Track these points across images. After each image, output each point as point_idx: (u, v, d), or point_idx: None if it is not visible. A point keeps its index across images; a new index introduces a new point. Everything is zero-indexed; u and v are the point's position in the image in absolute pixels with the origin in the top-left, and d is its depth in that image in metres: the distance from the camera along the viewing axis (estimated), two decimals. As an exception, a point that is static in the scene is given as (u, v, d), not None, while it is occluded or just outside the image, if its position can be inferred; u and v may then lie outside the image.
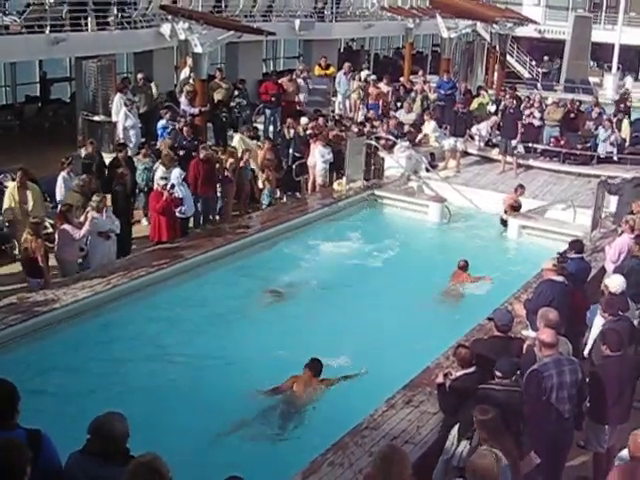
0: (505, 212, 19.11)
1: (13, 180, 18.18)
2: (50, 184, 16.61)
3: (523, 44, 47.33)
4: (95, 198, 14.80)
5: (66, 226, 14.12)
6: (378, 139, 22.39)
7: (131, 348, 12.93)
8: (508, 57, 38.55)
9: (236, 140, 20.76)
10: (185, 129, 19.74)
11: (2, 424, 6.34)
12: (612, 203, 18.85)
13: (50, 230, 15.15)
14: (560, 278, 11.65)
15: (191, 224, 18.00)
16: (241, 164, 19.35)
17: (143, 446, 6.20)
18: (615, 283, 11.48)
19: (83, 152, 17.92)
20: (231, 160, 18.88)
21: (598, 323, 11.26)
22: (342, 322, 13.98)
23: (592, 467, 10.18)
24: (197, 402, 11.35)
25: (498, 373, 8.72)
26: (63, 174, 16.53)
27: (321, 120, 22.74)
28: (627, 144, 24.43)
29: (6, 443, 5.81)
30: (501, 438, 7.62)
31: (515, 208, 19.05)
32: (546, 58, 46.22)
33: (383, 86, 28.38)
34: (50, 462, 6.42)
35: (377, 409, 10.30)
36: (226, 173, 18.59)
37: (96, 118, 19.94)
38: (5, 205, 15.23)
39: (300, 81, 27.06)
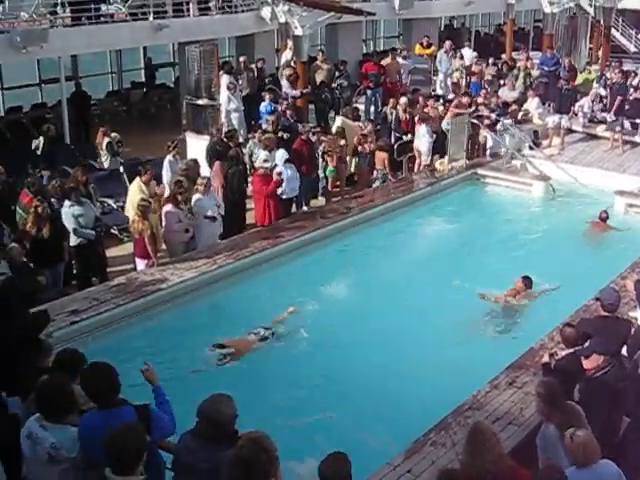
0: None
1: (121, 164, 18.86)
2: (156, 167, 16.98)
3: (629, 17, 45.92)
4: (200, 180, 15.09)
5: (171, 208, 14.42)
6: (481, 117, 22.13)
7: (236, 327, 13.13)
8: (613, 31, 37.53)
9: (338, 122, 20.77)
10: (288, 111, 19.90)
11: (107, 403, 6.62)
12: None
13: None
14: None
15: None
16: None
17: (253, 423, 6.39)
18: None
19: (209, 139, 18.16)
20: (342, 141, 19.03)
21: None
22: (443, 301, 13.96)
23: None
24: (317, 379, 11.57)
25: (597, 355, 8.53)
26: (169, 157, 16.87)
27: (421, 100, 22.50)
28: None
29: (125, 429, 6.05)
30: (557, 411, 7.46)
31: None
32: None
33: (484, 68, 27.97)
34: (162, 430, 6.67)
35: (480, 390, 10.29)
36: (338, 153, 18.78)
37: (200, 102, 20.20)
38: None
39: (400, 60, 26.94)
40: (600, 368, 8.32)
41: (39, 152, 19.29)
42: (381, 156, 19.88)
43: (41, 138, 19.42)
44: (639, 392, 8.57)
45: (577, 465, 6.80)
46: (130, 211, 15.06)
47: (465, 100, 22.46)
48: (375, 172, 20.15)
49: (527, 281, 14.45)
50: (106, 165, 19.95)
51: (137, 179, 15.39)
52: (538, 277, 14.76)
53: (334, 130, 19.95)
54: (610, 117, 23.66)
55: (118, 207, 17.22)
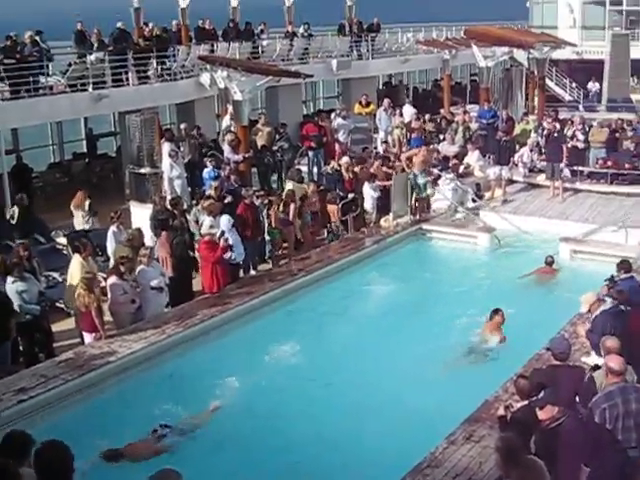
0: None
1: (64, 236, 18.62)
2: (100, 237, 16.82)
3: (562, 67, 47.13)
4: (143, 251, 14.97)
5: (115, 280, 14.26)
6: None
7: (190, 396, 12.95)
8: (547, 81, 38.40)
9: (289, 186, 20.88)
10: (232, 176, 19.92)
11: None
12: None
13: (103, 284, 15.27)
14: (608, 303, 11.55)
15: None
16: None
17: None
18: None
19: (152, 208, 18.09)
20: (293, 205, 19.17)
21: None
22: (396, 356, 13.89)
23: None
24: (268, 451, 11.32)
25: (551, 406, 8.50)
26: (112, 228, 16.75)
27: (375, 161, 22.72)
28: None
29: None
30: (515, 467, 7.41)
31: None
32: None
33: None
34: None
35: (438, 446, 10.20)
36: (287, 216, 18.99)
37: (142, 170, 20.16)
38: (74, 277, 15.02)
39: (340, 120, 27.19)
40: (555, 419, 8.31)
41: (14, 222, 19.31)
42: (332, 209, 20.06)
43: (15, 207, 19.34)
44: (596, 441, 8.55)
45: None
46: (70, 284, 14.88)
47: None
48: (328, 225, 20.48)
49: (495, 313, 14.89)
50: (85, 227, 19.81)
51: (76, 255, 15.17)
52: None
53: (284, 194, 20.02)
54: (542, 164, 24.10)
55: (63, 280, 16.95)
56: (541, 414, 8.39)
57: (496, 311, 14.93)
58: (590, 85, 45.22)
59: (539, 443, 8.23)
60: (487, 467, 9.55)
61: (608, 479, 8.54)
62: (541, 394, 8.78)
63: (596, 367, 10.47)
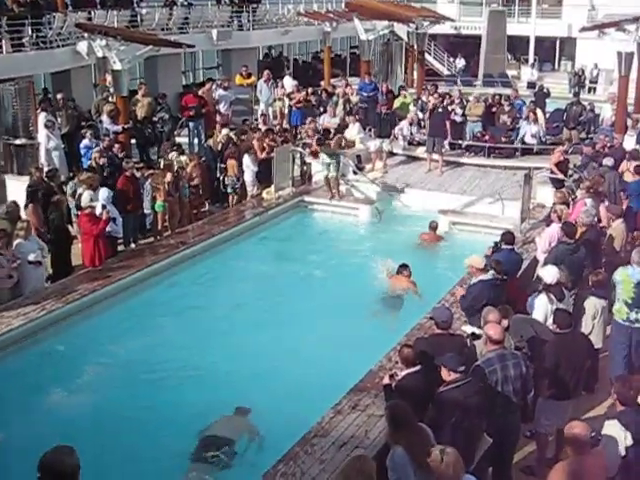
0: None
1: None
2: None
3: (440, 41, 47.90)
4: (20, 224, 14.55)
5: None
6: (304, 145, 22.40)
7: (71, 373, 12.75)
8: (426, 55, 38.97)
9: (169, 156, 20.57)
10: (116, 145, 19.54)
11: None
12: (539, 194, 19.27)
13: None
14: (488, 275, 11.83)
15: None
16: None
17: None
18: (549, 274, 11.63)
19: (28, 180, 17.59)
20: (169, 176, 18.82)
21: (539, 308, 11.40)
22: (277, 331, 13.96)
23: (537, 452, 10.35)
24: (144, 426, 11.23)
25: (447, 371, 8.67)
26: (-15, 202, 16.25)
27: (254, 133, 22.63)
28: (543, 134, 24.71)
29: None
30: (405, 434, 7.60)
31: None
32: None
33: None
34: None
35: (324, 416, 10.29)
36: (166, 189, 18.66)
37: (17, 142, 19.58)
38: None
39: (221, 91, 26.96)
40: (448, 383, 8.52)
41: None
42: (231, 163, 20.51)
43: None
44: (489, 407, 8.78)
45: None
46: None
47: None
48: (226, 179, 20.71)
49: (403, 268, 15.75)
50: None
51: None
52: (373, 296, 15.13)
53: (162, 164, 19.75)
54: (422, 137, 24.53)
55: None
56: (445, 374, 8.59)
57: (404, 266, 15.75)
58: (457, 61, 46.08)
59: (431, 408, 8.41)
60: (373, 435, 9.73)
61: (494, 442, 8.81)
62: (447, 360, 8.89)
63: (473, 335, 10.81)
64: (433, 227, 18.74)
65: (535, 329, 10.64)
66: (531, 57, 46.72)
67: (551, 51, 49.44)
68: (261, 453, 10.38)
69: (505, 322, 10.46)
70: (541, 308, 11.34)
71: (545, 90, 29.99)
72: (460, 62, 46.00)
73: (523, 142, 24.14)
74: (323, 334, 13.79)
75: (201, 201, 20.82)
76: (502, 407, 8.95)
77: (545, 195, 19.19)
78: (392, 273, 16.03)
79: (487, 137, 24.59)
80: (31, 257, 14.36)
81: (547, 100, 29.08)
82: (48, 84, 28.81)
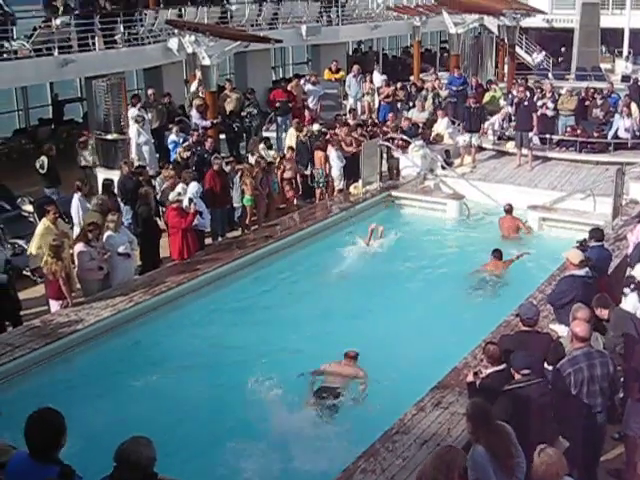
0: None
1: (30, 203, 18.41)
2: (67, 205, 16.65)
3: (532, 35, 47.09)
4: (110, 217, 14.81)
5: (82, 247, 14.11)
6: (392, 140, 22.30)
7: (158, 365, 12.91)
8: (517, 49, 38.38)
9: (258, 150, 20.73)
10: (209, 140, 19.79)
11: (42, 456, 6.21)
12: (632, 190, 18.77)
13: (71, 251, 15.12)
14: (582, 272, 11.50)
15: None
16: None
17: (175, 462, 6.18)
18: (641, 272, 11.33)
19: (118, 174, 18.10)
20: (257, 171, 19.09)
21: (631, 301, 11.10)
22: (366, 323, 13.89)
23: (626, 455, 10.06)
24: (222, 416, 11.36)
25: (517, 371, 8.56)
26: (77, 196, 16.57)
27: (344, 128, 22.61)
28: (638, 128, 24.07)
29: None
30: (485, 432, 7.45)
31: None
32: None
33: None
34: None
35: (407, 413, 10.21)
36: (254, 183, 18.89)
37: (109, 137, 19.94)
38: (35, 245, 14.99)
39: (309, 86, 27.02)
40: (518, 382, 8.37)
41: (43, 171, 19.42)
42: (320, 154, 20.50)
43: (44, 157, 19.39)
44: (563, 406, 8.60)
45: None
46: (33, 249, 14.81)
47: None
48: (314, 172, 20.75)
49: (497, 253, 16.41)
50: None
51: (44, 219, 15.03)
52: (457, 295, 14.95)
53: (253, 160, 19.89)
54: (512, 132, 24.16)
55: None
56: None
57: (496, 250, 16.39)
58: (535, 55, 45.04)
59: (503, 406, 8.26)
60: (455, 433, 9.59)
61: (578, 441, 8.60)
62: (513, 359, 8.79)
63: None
64: (507, 210, 18.78)
65: (637, 326, 10.34)
66: (625, 49, 45.56)
67: (646, 43, 48.16)
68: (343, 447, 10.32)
69: (605, 313, 10.23)
70: (631, 307, 11.03)
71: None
72: (539, 57, 44.97)
73: (617, 137, 23.57)
74: (419, 323, 13.90)
75: (292, 195, 20.87)
76: (587, 407, 8.74)
77: (638, 191, 18.70)
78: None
79: (579, 131, 24.06)
80: (121, 249, 14.62)
81: (642, 93, 28.29)
82: (140, 81, 29.29)
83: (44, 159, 19.45)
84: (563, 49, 46.26)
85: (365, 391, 11.69)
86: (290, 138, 22.01)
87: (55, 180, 19.46)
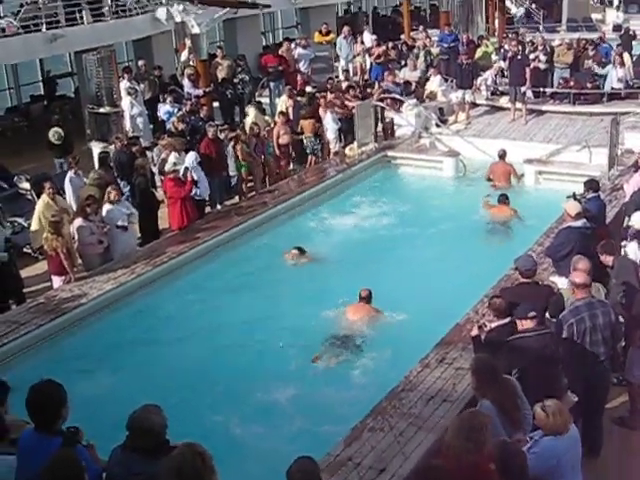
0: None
1: (27, 181, 18.40)
2: (63, 181, 16.66)
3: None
4: (108, 190, 14.84)
5: (81, 222, 14.16)
6: (385, 100, 22.24)
7: (162, 334, 13.04)
8: (507, 2, 38.10)
9: (252, 116, 20.64)
10: (204, 109, 19.76)
11: (45, 429, 6.35)
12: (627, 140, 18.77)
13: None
14: (579, 223, 11.54)
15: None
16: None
17: (183, 430, 6.26)
18: (639, 220, 11.36)
19: (112, 148, 18.11)
20: (249, 137, 19.05)
21: (632, 250, 11.16)
22: (368, 282, 13.95)
23: (630, 402, 10.17)
24: (233, 379, 11.45)
25: (520, 321, 8.63)
26: (70, 174, 16.58)
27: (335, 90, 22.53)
28: (630, 78, 23.99)
29: (61, 457, 5.83)
30: (491, 387, 7.52)
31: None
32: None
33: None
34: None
35: (411, 370, 10.32)
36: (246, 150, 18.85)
37: (102, 110, 19.88)
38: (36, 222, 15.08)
39: (300, 50, 26.90)
40: (525, 331, 8.46)
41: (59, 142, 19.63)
42: (307, 123, 20.39)
43: (57, 128, 19.66)
44: (567, 355, 8.69)
45: (551, 434, 6.90)
46: (35, 226, 14.88)
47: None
48: (305, 140, 20.62)
49: (503, 197, 17.12)
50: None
51: (43, 195, 15.06)
52: (457, 250, 15.17)
53: (247, 126, 19.84)
54: (504, 87, 24.10)
55: (29, 225, 16.80)
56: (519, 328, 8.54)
57: (503, 195, 17.10)
58: (514, 10, 44.33)
59: (505, 356, 8.35)
60: (460, 388, 9.69)
61: (581, 389, 8.69)
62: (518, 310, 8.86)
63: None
64: (501, 155, 19.11)
65: (639, 275, 10.40)
66: (616, -1, 45.29)
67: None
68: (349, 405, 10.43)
69: (610, 259, 10.32)
70: (632, 256, 11.09)
71: (631, 32, 29.10)
72: (519, 10, 44.38)
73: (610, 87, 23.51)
74: (421, 278, 14.13)
75: (288, 160, 20.84)
76: (590, 356, 8.83)
77: (634, 140, 18.70)
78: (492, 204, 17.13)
79: (572, 83, 23.97)
80: (119, 222, 14.67)
81: (633, 43, 28.21)
82: (130, 52, 29.15)
83: (59, 130, 19.59)
84: (514, 7, 45.66)
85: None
86: (282, 105, 21.89)
87: (68, 151, 19.48)
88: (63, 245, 13.52)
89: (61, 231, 13.57)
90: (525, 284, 10.15)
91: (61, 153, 19.44)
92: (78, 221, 14.22)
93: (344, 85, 23.85)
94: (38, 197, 15.96)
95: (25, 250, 16.25)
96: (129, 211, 15.09)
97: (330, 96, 22.00)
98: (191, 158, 16.69)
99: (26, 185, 18.57)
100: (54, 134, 19.46)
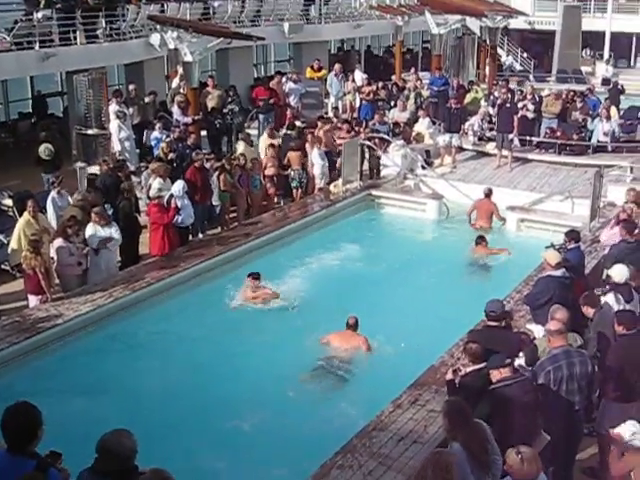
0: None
1: (10, 197, 18.30)
2: (46, 200, 16.59)
3: (514, 36, 47.31)
4: (95, 210, 14.81)
5: (61, 242, 14.11)
6: (372, 139, 22.36)
7: (137, 359, 12.94)
8: (499, 50, 38.55)
9: (241, 148, 20.69)
10: (192, 136, 19.81)
11: (18, 450, 6.24)
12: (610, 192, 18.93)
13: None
14: (558, 272, 11.59)
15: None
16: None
17: (151, 455, 6.21)
18: (618, 273, 11.40)
19: (97, 171, 18.17)
20: (239, 168, 19.09)
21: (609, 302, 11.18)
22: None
23: (600, 454, 10.15)
24: (206, 408, 11.37)
25: (497, 370, 8.61)
26: (53, 194, 16.46)
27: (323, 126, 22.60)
28: (617, 132, 24.26)
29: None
30: (463, 430, 7.50)
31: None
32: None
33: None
34: None
35: (384, 410, 10.29)
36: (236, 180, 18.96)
37: (89, 132, 19.87)
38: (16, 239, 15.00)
39: (291, 84, 27.05)
40: (504, 379, 8.45)
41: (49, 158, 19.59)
42: (294, 155, 20.39)
43: (47, 144, 19.61)
44: (543, 403, 8.69)
45: None
46: (14, 244, 14.83)
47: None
48: (292, 172, 20.61)
49: (480, 239, 17.41)
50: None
51: (25, 213, 15.00)
52: (436, 293, 15.15)
53: (234, 157, 19.86)
54: (492, 133, 24.28)
55: (8, 241, 16.69)
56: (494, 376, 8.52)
57: (481, 237, 17.42)
58: (504, 59, 44.95)
59: (485, 404, 8.33)
60: (432, 430, 9.67)
61: (554, 437, 8.68)
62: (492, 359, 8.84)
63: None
64: (487, 193, 19.31)
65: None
66: (606, 53, 45.97)
67: (627, 47, 48.49)
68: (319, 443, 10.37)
69: (591, 312, 10.35)
70: (609, 308, 11.12)
71: (620, 87, 29.46)
72: (508, 59, 45.06)
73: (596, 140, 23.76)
74: (398, 319, 14.08)
75: (274, 192, 20.85)
76: (565, 404, 8.83)
77: (616, 194, 18.85)
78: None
79: (559, 134, 24.22)
80: (94, 245, 14.62)
81: (621, 97, 28.56)
82: (121, 76, 29.22)
83: (49, 146, 19.57)
84: (504, 56, 46.34)
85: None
86: (262, 143, 21.87)
87: (58, 166, 19.54)
88: (41, 264, 13.45)
89: (40, 250, 13.51)
90: (494, 327, 10.14)
91: (50, 169, 19.37)
92: (58, 241, 14.17)
93: (338, 120, 23.97)
94: (20, 214, 15.89)
95: (3, 267, 16.15)
96: (112, 235, 15.00)
97: (325, 127, 22.09)
98: (179, 186, 16.60)
99: (8, 202, 18.46)
100: (44, 149, 19.42)
